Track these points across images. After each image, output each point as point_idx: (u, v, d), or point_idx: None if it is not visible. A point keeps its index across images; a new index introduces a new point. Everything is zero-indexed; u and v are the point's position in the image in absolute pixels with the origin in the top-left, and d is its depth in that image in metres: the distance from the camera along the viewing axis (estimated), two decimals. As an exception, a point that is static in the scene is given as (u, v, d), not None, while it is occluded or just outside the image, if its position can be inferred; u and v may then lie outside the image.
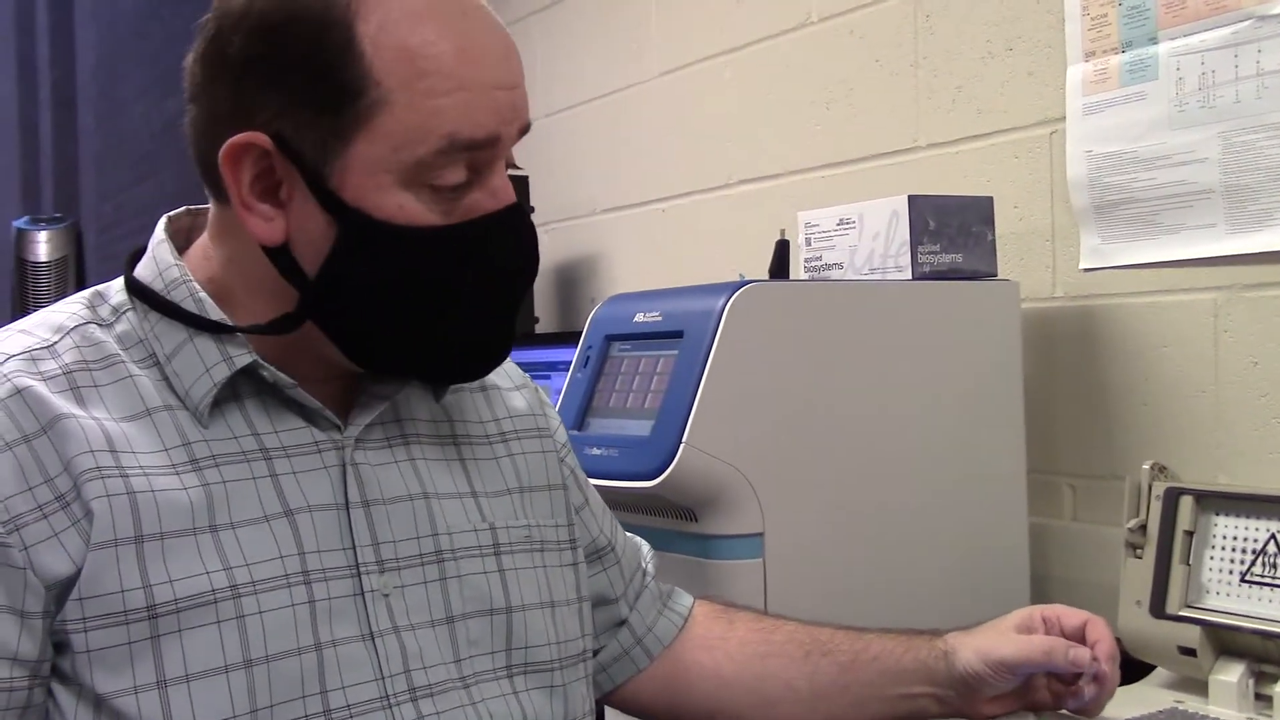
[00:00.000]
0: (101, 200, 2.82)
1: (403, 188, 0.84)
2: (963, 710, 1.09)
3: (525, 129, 0.89)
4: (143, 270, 0.92)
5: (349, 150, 0.83)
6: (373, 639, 0.87)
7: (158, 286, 0.89)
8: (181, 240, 0.93)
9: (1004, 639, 1.08)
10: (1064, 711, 1.08)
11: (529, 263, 0.92)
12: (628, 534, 1.17)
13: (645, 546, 1.19)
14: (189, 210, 0.96)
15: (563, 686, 0.98)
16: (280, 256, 0.86)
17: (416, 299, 0.88)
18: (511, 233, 0.90)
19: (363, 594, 0.87)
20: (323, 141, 0.83)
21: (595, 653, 1.08)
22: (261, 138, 0.83)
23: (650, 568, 1.17)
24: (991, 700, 1.09)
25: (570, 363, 1.48)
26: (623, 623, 1.11)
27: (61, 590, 0.79)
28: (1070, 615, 1.09)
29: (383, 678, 0.86)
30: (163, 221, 0.94)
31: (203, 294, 0.89)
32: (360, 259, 0.85)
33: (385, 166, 0.83)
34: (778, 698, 1.10)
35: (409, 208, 0.84)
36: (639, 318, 1.40)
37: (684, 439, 1.24)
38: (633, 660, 1.11)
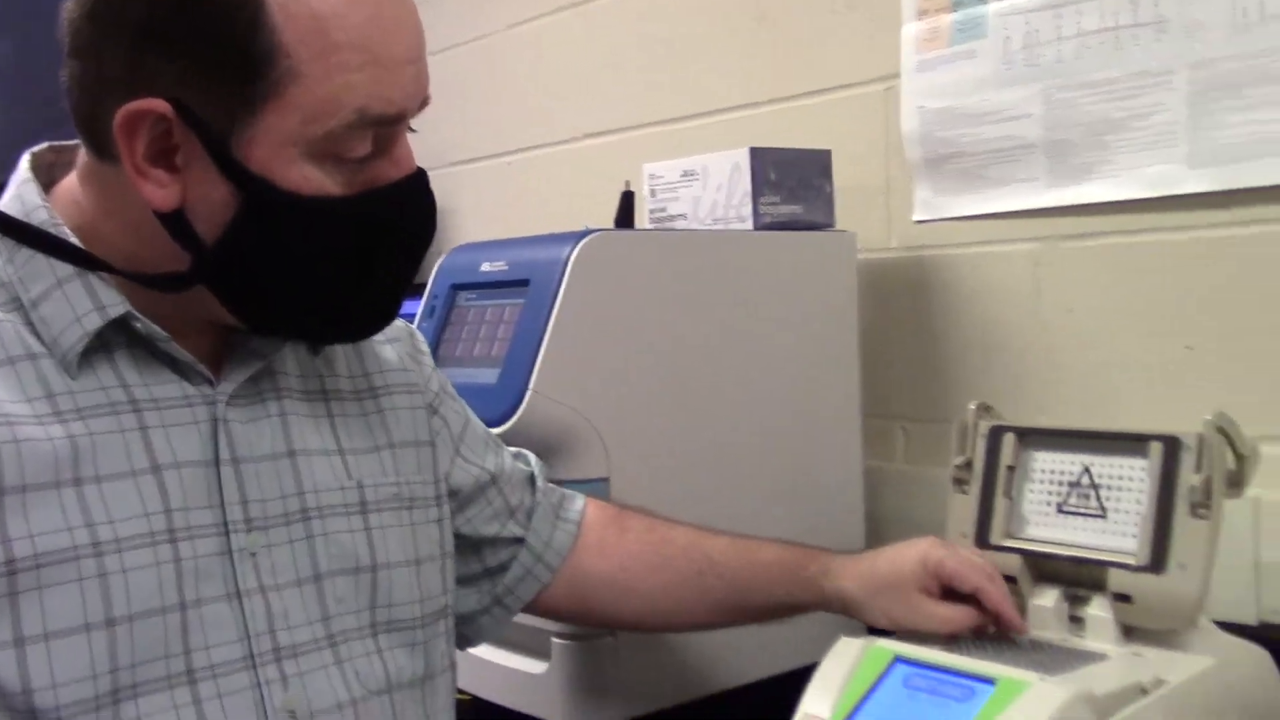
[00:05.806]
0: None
1: (309, 159, 0.83)
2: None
3: (426, 102, 0.89)
4: (6, 208, 0.87)
5: (258, 122, 0.81)
6: (239, 598, 0.86)
7: None
8: (44, 178, 0.89)
9: (918, 612, 1.08)
10: None
11: (429, 227, 0.93)
12: (512, 451, 1.18)
13: (532, 458, 1.20)
14: (52, 147, 0.92)
15: (424, 644, 0.99)
16: (174, 222, 0.84)
17: (318, 268, 0.87)
18: (413, 199, 0.90)
19: (230, 553, 0.87)
20: (229, 111, 0.80)
21: (499, 573, 1.12)
22: (161, 105, 0.80)
23: (540, 480, 1.18)
24: None
25: (416, 314, 1.47)
26: (520, 541, 1.13)
27: None
28: (966, 576, 1.08)
29: (248, 637, 0.86)
30: (26, 157, 0.90)
31: (75, 241, 0.86)
32: (264, 229, 0.84)
33: (293, 139, 0.81)
34: (673, 611, 1.17)
35: (314, 179, 0.83)
36: (485, 267, 1.40)
37: (530, 385, 1.25)
38: (536, 577, 1.14)
